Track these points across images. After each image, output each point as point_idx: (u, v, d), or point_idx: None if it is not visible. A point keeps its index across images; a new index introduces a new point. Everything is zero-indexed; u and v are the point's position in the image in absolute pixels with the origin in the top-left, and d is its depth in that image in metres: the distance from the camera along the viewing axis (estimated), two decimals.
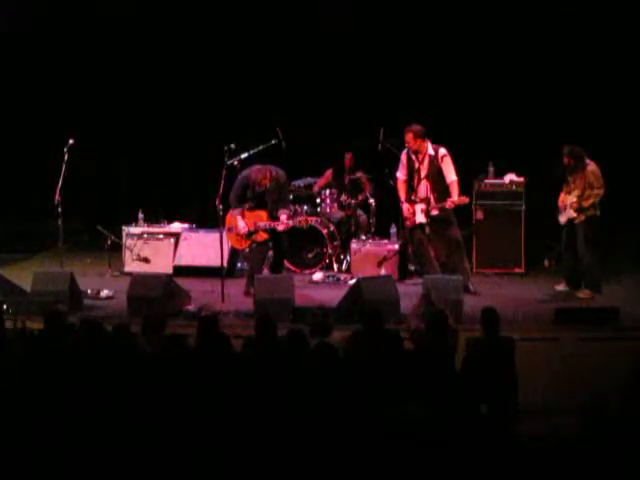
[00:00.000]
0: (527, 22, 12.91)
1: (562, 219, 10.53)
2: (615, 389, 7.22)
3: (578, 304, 10.02)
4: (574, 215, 10.41)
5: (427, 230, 10.85)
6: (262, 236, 10.78)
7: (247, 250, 11.07)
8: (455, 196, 10.67)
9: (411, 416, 6.06)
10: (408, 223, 10.98)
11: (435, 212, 10.80)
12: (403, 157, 11.02)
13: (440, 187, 10.81)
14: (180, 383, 6.46)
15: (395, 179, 11.18)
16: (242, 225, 10.75)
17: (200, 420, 6.10)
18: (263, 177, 10.71)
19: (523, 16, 12.90)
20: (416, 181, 10.92)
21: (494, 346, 7.46)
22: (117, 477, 5.84)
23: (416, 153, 10.87)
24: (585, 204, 10.35)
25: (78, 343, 7.30)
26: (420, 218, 10.83)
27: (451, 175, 10.78)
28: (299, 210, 11.99)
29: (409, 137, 10.82)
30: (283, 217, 10.76)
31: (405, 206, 10.95)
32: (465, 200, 10.75)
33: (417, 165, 10.90)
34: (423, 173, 10.88)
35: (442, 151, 10.84)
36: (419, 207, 10.85)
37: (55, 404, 6.32)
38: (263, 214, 10.79)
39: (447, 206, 10.68)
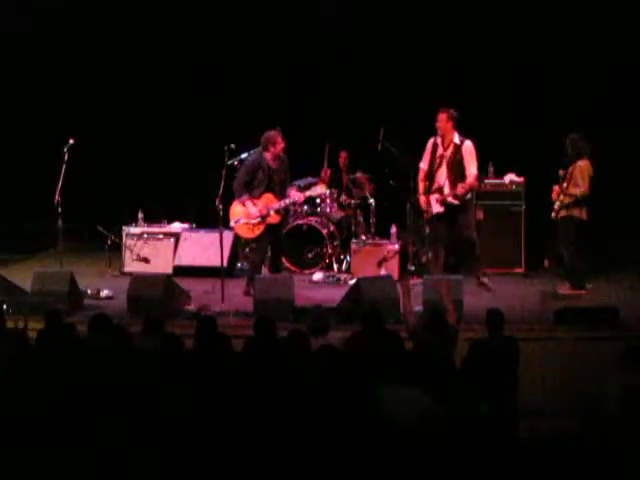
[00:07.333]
0: (527, 23, 12.91)
1: (553, 214, 10.48)
2: (614, 389, 7.21)
3: (578, 304, 10.01)
4: (556, 208, 10.36)
5: (427, 230, 10.83)
6: (275, 218, 10.69)
7: (253, 245, 10.97)
8: (466, 184, 10.59)
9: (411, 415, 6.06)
10: (426, 215, 10.92)
11: (450, 199, 10.65)
12: (429, 145, 10.87)
13: (458, 177, 10.65)
14: (178, 383, 6.46)
15: (418, 170, 10.97)
16: (254, 211, 10.61)
17: (200, 420, 6.10)
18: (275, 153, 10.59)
19: (523, 17, 12.91)
20: (436, 167, 10.78)
21: (498, 347, 7.45)
22: (115, 476, 5.84)
23: (443, 137, 10.77)
24: (565, 200, 10.29)
25: (88, 338, 7.33)
26: (436, 208, 10.76)
27: (472, 168, 10.68)
28: (299, 210, 11.99)
29: (442, 117, 10.69)
30: (293, 192, 10.76)
31: (422, 198, 10.88)
32: (473, 185, 10.65)
33: (441, 151, 10.78)
34: (445, 160, 10.74)
35: (467, 143, 10.74)
36: (433, 197, 10.80)
37: (54, 404, 6.32)
38: (271, 196, 10.70)
39: (457, 192, 10.55)
